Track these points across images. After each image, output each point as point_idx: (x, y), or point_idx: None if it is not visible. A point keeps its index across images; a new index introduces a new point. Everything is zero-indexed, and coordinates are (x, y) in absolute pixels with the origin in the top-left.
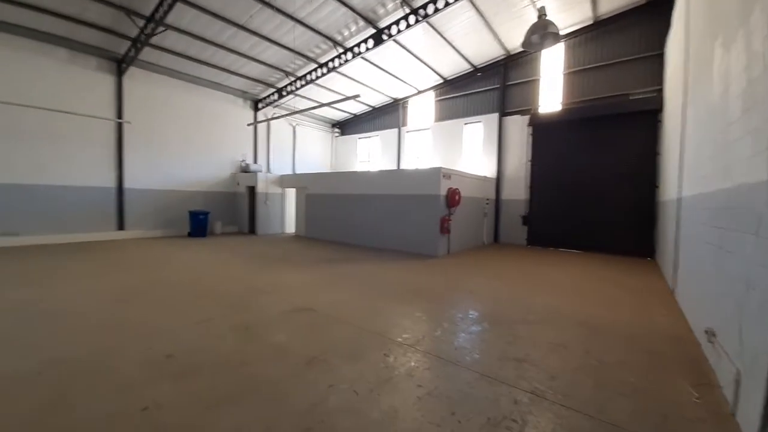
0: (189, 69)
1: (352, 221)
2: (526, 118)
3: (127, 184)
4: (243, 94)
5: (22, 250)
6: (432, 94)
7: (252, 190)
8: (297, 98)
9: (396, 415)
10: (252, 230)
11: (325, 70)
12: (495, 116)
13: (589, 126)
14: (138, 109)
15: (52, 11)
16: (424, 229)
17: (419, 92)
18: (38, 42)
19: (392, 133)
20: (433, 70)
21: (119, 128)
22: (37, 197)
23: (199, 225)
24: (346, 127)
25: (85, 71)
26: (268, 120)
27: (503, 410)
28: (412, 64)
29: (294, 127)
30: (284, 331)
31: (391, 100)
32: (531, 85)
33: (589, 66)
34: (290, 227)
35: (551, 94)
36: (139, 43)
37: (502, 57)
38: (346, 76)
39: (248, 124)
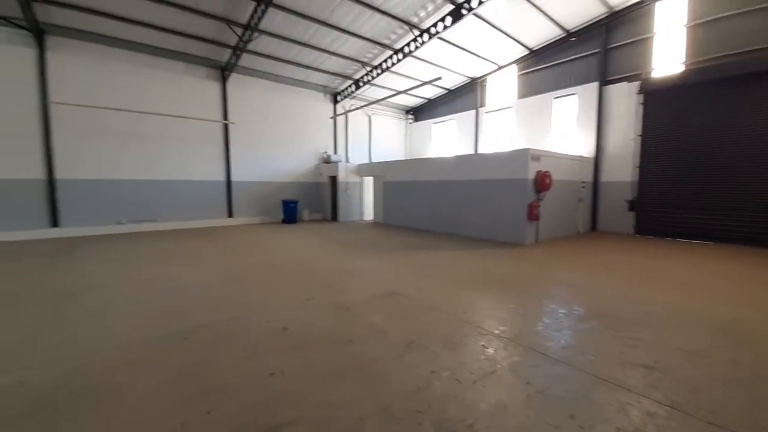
0: (278, 70)
1: (430, 208)
2: (635, 84)
3: (234, 177)
4: (323, 89)
5: (160, 234)
6: (514, 68)
7: (333, 179)
8: (373, 88)
9: (506, 410)
10: (334, 217)
11: (400, 56)
12: (593, 86)
13: (724, 88)
14: (239, 110)
15: (169, 29)
16: (509, 215)
17: (499, 68)
18: (159, 58)
19: (469, 115)
20: (516, 41)
21: (226, 129)
22: (169, 190)
23: (290, 213)
24: (420, 112)
25: (198, 80)
26: (346, 112)
27: (635, 422)
28: (493, 37)
29: (370, 117)
30: (379, 313)
31: (468, 80)
32: (641, 45)
33: (724, 14)
34: (368, 214)
35: (668, 55)
36: (238, 50)
37: (604, 15)
38: (421, 59)
39: (330, 117)
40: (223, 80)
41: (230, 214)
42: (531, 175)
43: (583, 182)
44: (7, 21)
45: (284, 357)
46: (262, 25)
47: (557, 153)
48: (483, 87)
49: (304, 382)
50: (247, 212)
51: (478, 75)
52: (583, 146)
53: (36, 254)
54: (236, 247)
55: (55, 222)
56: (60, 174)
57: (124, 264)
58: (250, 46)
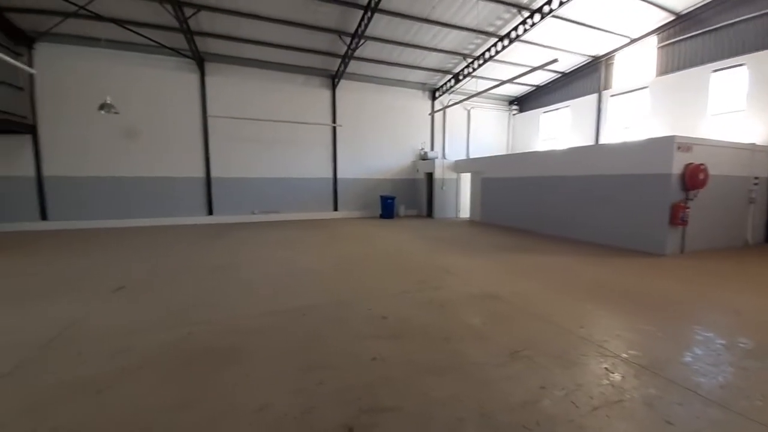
0: (380, 72)
1: (535, 207)
2: None
3: (339, 174)
4: (422, 86)
5: (281, 223)
6: (653, 40)
7: (430, 176)
8: (473, 80)
9: None
10: (429, 214)
11: (506, 42)
12: None
13: None
14: (345, 113)
15: (293, 47)
16: (642, 218)
17: (632, 41)
18: (284, 73)
19: (588, 100)
20: (657, 5)
21: (334, 131)
22: (288, 187)
23: (387, 208)
24: (525, 102)
25: (313, 89)
26: (444, 108)
27: None
28: (625, 5)
29: (468, 111)
30: (476, 315)
31: (589, 60)
32: None
33: None
34: (465, 212)
35: None
36: (346, 58)
37: None
38: (530, 43)
39: (428, 114)
40: (333, 87)
41: (335, 208)
42: (677, 169)
43: (756, 178)
44: (177, 52)
45: (385, 344)
46: (368, 32)
47: (716, 141)
48: (609, 66)
49: (404, 372)
50: (350, 207)
51: (603, 53)
52: (757, 132)
53: (196, 236)
54: (341, 238)
55: (210, 211)
56: (214, 173)
57: (257, 247)
58: (357, 53)
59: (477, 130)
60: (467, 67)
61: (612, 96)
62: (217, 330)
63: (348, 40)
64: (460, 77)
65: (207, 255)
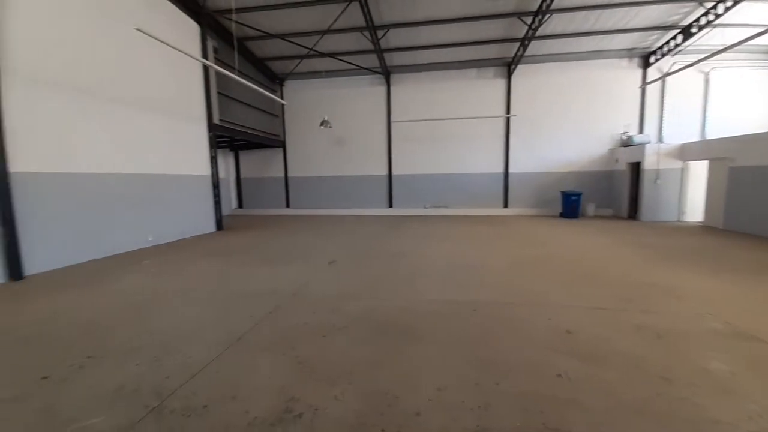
0: (567, 47)
1: None
2: None
3: (511, 169)
4: (628, 53)
5: (450, 218)
6: None
7: (636, 166)
8: (716, 31)
9: None
10: (633, 215)
11: None
12: None
13: None
14: (520, 102)
15: (467, 42)
16: None
17: None
18: (457, 70)
19: None
20: None
21: (507, 122)
22: (457, 182)
23: (570, 206)
24: None
25: (486, 81)
26: (663, 76)
27: None
28: None
29: (706, 74)
30: (719, 358)
31: None
32: None
33: None
34: (694, 214)
35: None
36: (526, 40)
37: None
38: None
39: (638, 87)
40: (509, 75)
41: (506, 205)
42: None
43: None
44: (370, 71)
45: (572, 363)
46: (555, 3)
47: None
48: None
49: (602, 404)
50: (522, 203)
51: None
52: None
53: (379, 225)
54: (514, 236)
55: (390, 204)
56: (394, 171)
57: (428, 239)
58: (539, 31)
59: (719, 101)
60: (705, 14)
61: None
62: (397, 308)
63: (529, 19)
64: (693, 29)
65: (388, 242)
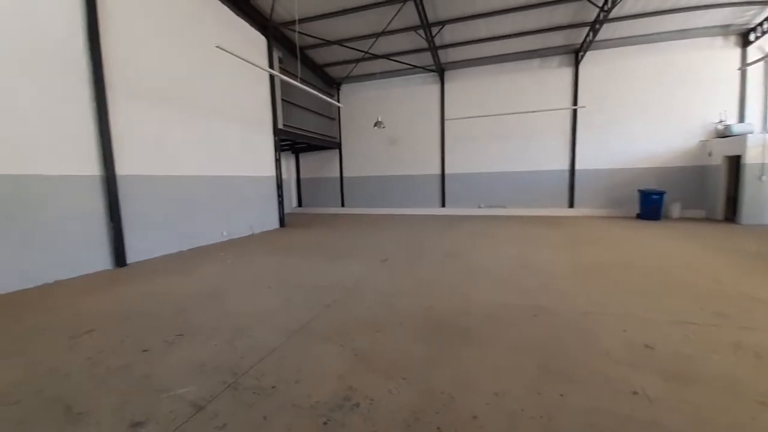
0: (644, 28)
1: None
2: None
3: (578, 165)
4: (722, 30)
5: (508, 218)
6: None
7: (735, 160)
8: None
9: None
10: (730, 217)
11: None
12: None
13: None
14: (590, 91)
15: (529, 31)
16: None
17: None
18: (517, 62)
19: None
20: None
21: (574, 115)
22: (515, 180)
23: (650, 206)
24: None
25: (550, 71)
26: (767, 56)
27: None
28: None
29: None
30: None
31: None
32: None
33: None
34: None
35: None
36: (597, 23)
37: None
38: None
39: (737, 69)
40: (576, 63)
41: (571, 204)
42: None
43: None
44: (424, 69)
45: (651, 381)
46: None
47: None
48: None
49: (687, 429)
50: (590, 203)
51: None
52: None
53: (432, 225)
54: (581, 239)
55: (443, 203)
56: (447, 170)
57: (484, 239)
58: (612, 13)
59: None
60: None
61: None
62: (452, 308)
63: (600, 1)
64: None
65: (441, 242)
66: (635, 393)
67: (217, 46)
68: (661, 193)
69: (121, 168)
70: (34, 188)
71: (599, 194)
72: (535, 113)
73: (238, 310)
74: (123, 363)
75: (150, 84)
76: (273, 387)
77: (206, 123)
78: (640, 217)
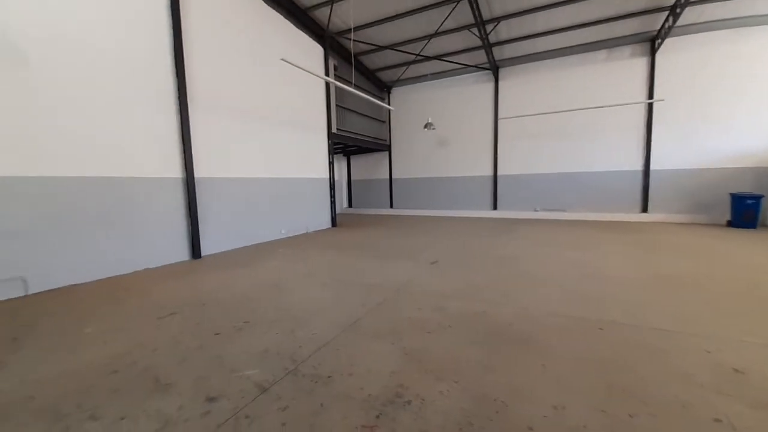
0: (737, 9)
1: None
2: None
3: (654, 165)
4: None
5: (569, 223)
6: None
7: None
8: None
9: None
10: None
11: None
12: None
13: None
14: (669, 83)
15: (594, 21)
16: None
17: None
18: (580, 55)
19: None
20: None
21: (649, 109)
22: (577, 182)
23: (745, 212)
24: None
25: (620, 63)
26: None
27: None
28: None
29: None
30: None
31: None
32: None
33: None
34: None
35: None
36: (678, 7)
37: None
38: None
39: None
40: (652, 52)
41: (644, 209)
42: None
43: None
44: (477, 67)
45: (737, 408)
46: None
47: None
48: None
49: None
50: (669, 208)
51: None
52: None
53: (484, 228)
54: (657, 248)
55: (495, 206)
56: (500, 171)
57: (542, 245)
58: None
59: None
60: None
61: None
62: (508, 314)
63: None
64: None
65: (494, 245)
66: (718, 420)
67: (282, 59)
68: (758, 198)
69: (198, 171)
70: (134, 189)
71: (680, 198)
72: (601, 109)
73: (295, 302)
74: (199, 344)
75: (221, 96)
76: (329, 377)
77: (268, 129)
78: (731, 224)
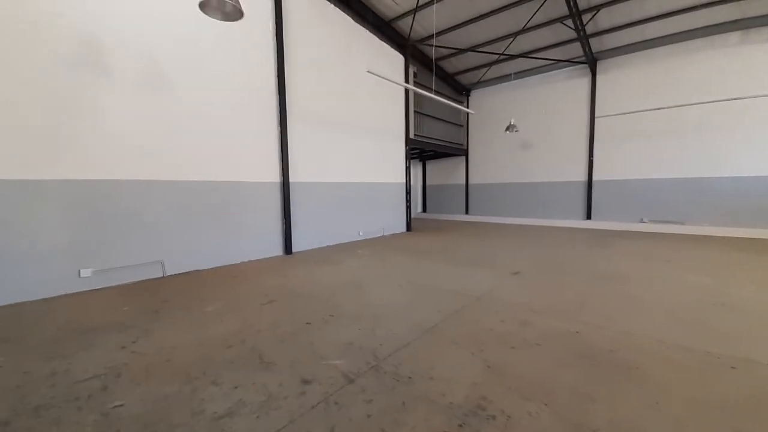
0: None
1: None
2: None
3: None
4: None
5: (688, 238)
6: None
7: None
8: None
9: None
10: None
11: None
12: None
13: None
14: None
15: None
16: None
17: None
18: (702, 39)
19: None
20: None
21: None
22: (700, 189)
23: None
24: None
25: (758, 46)
26: None
27: None
28: None
29: None
30: None
31: None
32: None
33: None
34: None
35: None
36: None
37: None
38: None
39: None
40: None
41: None
42: None
43: None
44: (570, 62)
45: None
46: None
47: None
48: None
49: None
50: None
51: None
52: None
53: (575, 240)
54: None
55: (588, 215)
56: (596, 176)
57: (653, 263)
58: None
59: None
60: None
61: None
62: (609, 338)
63: None
64: None
65: (588, 259)
66: None
67: (367, 71)
68: None
69: (293, 176)
70: (243, 191)
71: None
72: (730, 102)
73: (375, 301)
74: (293, 330)
75: (311, 108)
76: (409, 377)
77: (351, 136)
78: None
